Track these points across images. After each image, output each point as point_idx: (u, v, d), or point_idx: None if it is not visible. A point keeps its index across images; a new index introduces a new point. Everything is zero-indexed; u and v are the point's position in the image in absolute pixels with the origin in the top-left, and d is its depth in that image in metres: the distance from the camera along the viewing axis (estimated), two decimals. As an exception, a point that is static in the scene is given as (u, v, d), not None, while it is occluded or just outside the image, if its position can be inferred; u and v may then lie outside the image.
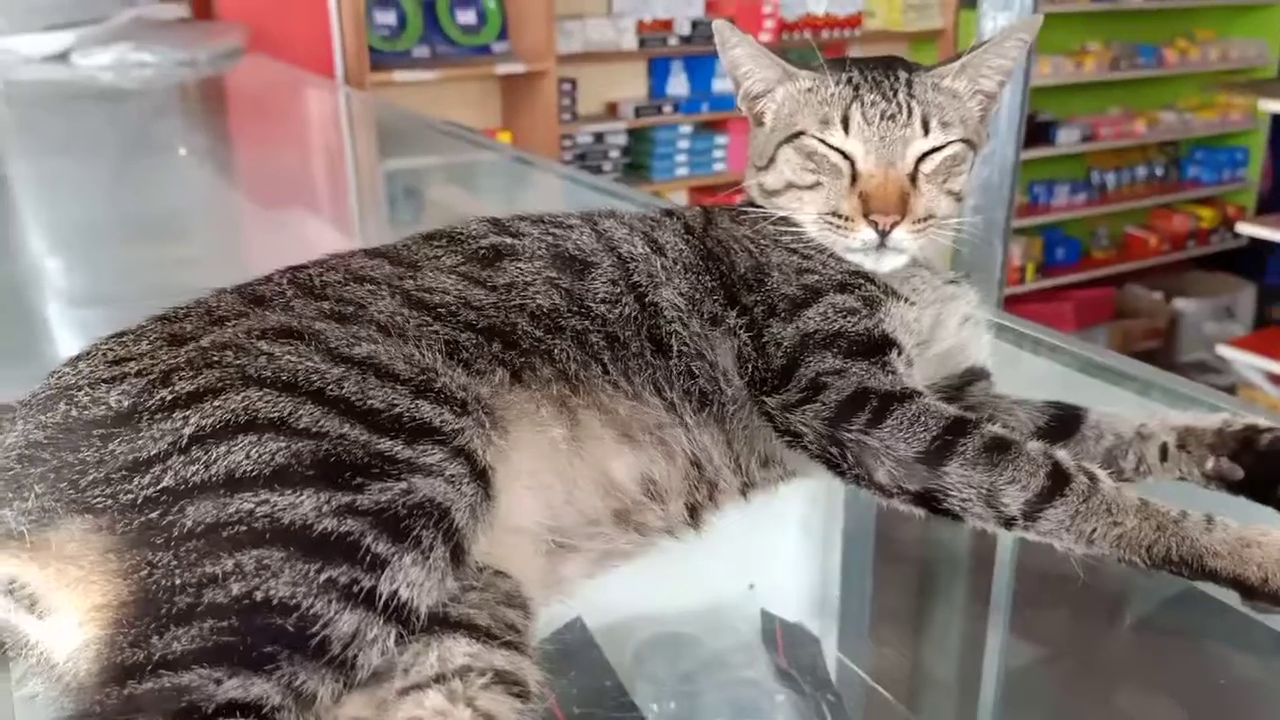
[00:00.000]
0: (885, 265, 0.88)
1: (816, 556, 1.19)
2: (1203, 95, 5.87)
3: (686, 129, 4.77)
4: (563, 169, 2.45)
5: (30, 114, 2.96)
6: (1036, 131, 5.38)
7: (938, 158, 0.87)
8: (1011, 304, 5.27)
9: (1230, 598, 0.69)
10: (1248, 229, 4.05)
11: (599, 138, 4.65)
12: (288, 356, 0.68)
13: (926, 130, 0.86)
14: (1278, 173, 5.95)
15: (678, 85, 4.80)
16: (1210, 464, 0.78)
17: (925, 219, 0.86)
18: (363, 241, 2.10)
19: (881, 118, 0.85)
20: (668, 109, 4.72)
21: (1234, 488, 0.77)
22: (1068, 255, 5.72)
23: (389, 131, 2.95)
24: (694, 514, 0.85)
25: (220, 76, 3.30)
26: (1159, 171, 5.99)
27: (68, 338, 1.52)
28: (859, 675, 1.14)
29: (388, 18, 4.08)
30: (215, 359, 0.67)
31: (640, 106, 4.68)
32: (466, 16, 4.24)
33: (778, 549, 1.18)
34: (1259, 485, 0.75)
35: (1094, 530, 0.70)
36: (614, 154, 4.70)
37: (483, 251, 0.85)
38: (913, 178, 0.86)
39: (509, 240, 0.87)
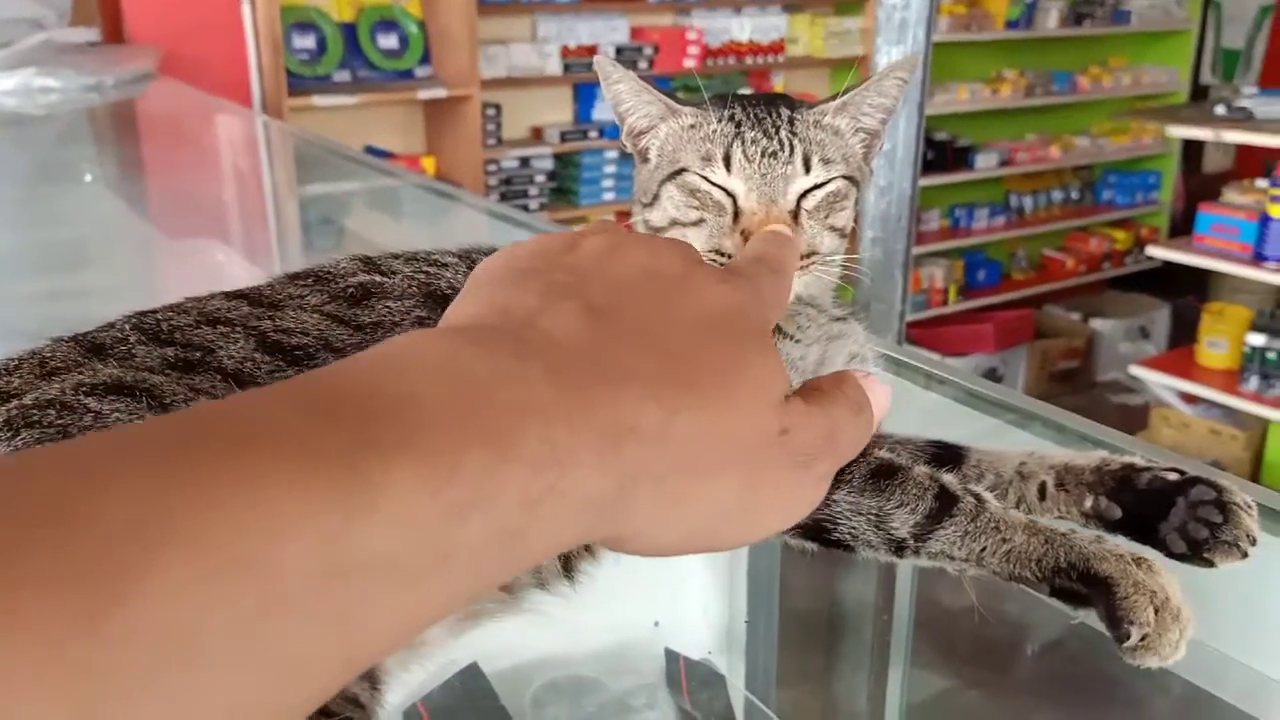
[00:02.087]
0: None
1: (723, 593, 1.18)
2: (1115, 121, 6.04)
3: (613, 154, 4.78)
4: (481, 200, 2.43)
5: (-73, 142, 2.86)
6: (956, 156, 5.50)
7: (819, 194, 0.86)
8: (934, 325, 5.41)
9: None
10: (1158, 252, 4.17)
11: (525, 162, 4.64)
12: (115, 414, 0.64)
13: (808, 168, 0.85)
14: (1190, 195, 6.14)
15: (604, 110, 4.80)
16: (1089, 503, 0.77)
17: (809, 255, 0.85)
18: (280, 271, 2.06)
19: (763, 155, 0.85)
20: (594, 134, 4.73)
21: (1112, 527, 0.77)
22: (988, 277, 5.84)
23: (306, 159, 2.90)
24: (568, 566, 0.83)
25: (130, 101, 3.22)
26: (1074, 195, 6.15)
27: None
28: (766, 713, 1.13)
29: (306, 41, 4.03)
30: (35, 418, 0.63)
31: (566, 131, 4.68)
32: (388, 41, 4.20)
33: (683, 586, 1.17)
34: (1138, 524, 0.75)
35: (983, 549, 0.69)
36: (540, 179, 4.69)
37: (350, 290, 0.82)
38: (795, 214, 0.86)
39: (379, 279, 0.84)
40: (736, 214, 0.85)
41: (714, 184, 0.86)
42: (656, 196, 0.89)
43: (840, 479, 0.72)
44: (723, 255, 0.85)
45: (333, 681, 0.31)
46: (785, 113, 0.87)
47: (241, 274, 2.01)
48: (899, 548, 0.72)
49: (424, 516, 0.31)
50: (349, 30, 4.14)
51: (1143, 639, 0.64)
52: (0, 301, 1.72)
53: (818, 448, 0.47)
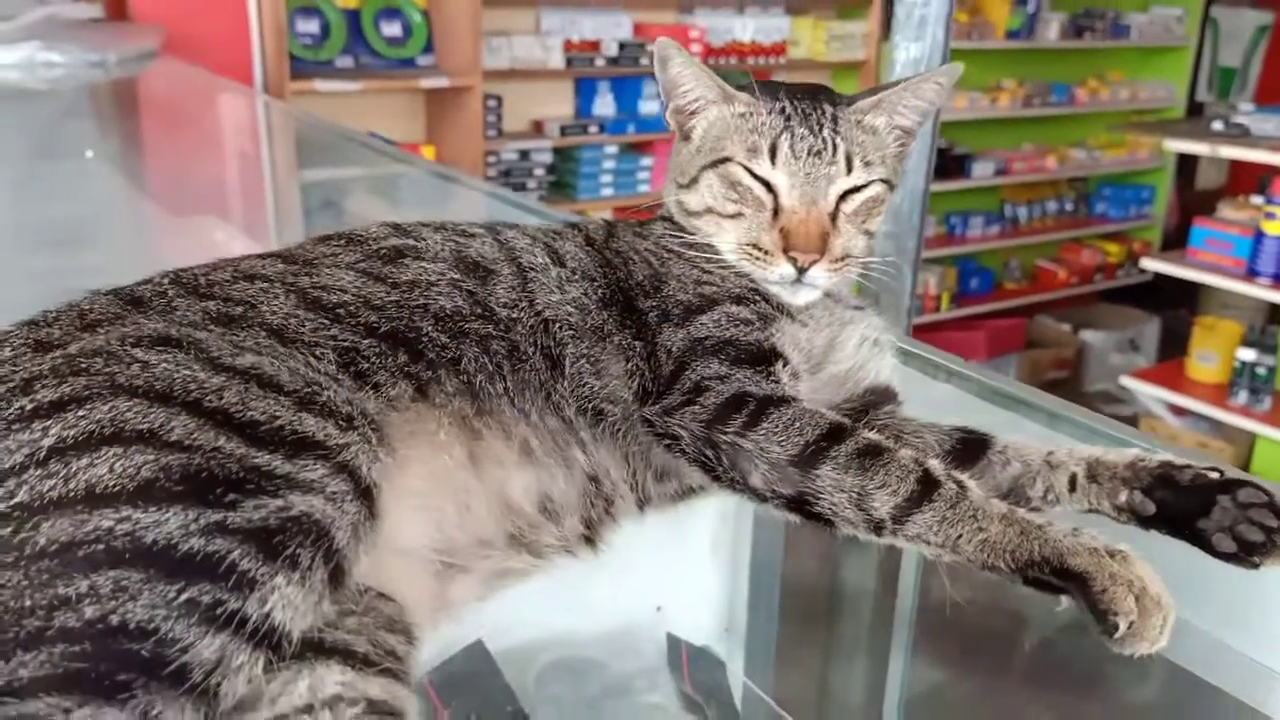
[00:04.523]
0: (801, 299, 0.89)
1: (725, 579, 1.19)
2: (1111, 134, 6.07)
3: (612, 149, 4.78)
4: (484, 185, 2.43)
5: (-72, 112, 2.85)
6: (952, 164, 5.51)
7: (858, 198, 0.87)
8: (927, 331, 5.43)
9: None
10: (1152, 264, 4.19)
11: (524, 155, 4.64)
12: (163, 364, 0.64)
13: (850, 168, 0.86)
14: (1183, 210, 6.17)
15: (604, 106, 4.81)
16: (1124, 497, 0.79)
17: (843, 258, 0.87)
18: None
19: (809, 153, 0.86)
20: (594, 129, 4.73)
21: (1145, 522, 0.78)
22: (981, 285, 5.86)
23: (307, 142, 2.90)
24: (591, 530, 0.84)
25: (132, 79, 3.21)
26: (1069, 206, 6.18)
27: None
28: (764, 700, 1.13)
29: (310, 26, 4.02)
30: (83, 366, 0.64)
31: (566, 125, 4.67)
32: (391, 28, 4.20)
33: (686, 571, 1.17)
34: (1176, 521, 0.76)
35: (960, 536, 0.71)
36: (539, 172, 4.69)
37: (384, 251, 0.83)
38: (833, 216, 0.87)
39: (411, 242, 0.85)
40: (777, 210, 0.86)
41: (757, 177, 0.87)
42: (695, 180, 0.90)
43: (826, 455, 0.74)
44: (760, 250, 0.86)
45: None
46: (829, 109, 0.88)
47: (242, 251, 2.00)
48: (878, 527, 0.73)
49: None
50: (353, 16, 4.13)
51: (1129, 626, 0.65)
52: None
53: None
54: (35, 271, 1.76)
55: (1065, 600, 0.70)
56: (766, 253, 0.87)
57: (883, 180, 0.89)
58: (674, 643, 1.11)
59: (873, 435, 0.77)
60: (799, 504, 0.76)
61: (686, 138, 0.93)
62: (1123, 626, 0.66)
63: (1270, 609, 0.84)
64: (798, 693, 1.18)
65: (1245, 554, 0.72)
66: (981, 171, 5.61)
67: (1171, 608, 0.66)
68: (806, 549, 1.11)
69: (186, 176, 2.48)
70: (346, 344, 0.73)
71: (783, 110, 0.88)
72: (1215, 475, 0.76)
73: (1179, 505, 0.76)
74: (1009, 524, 0.71)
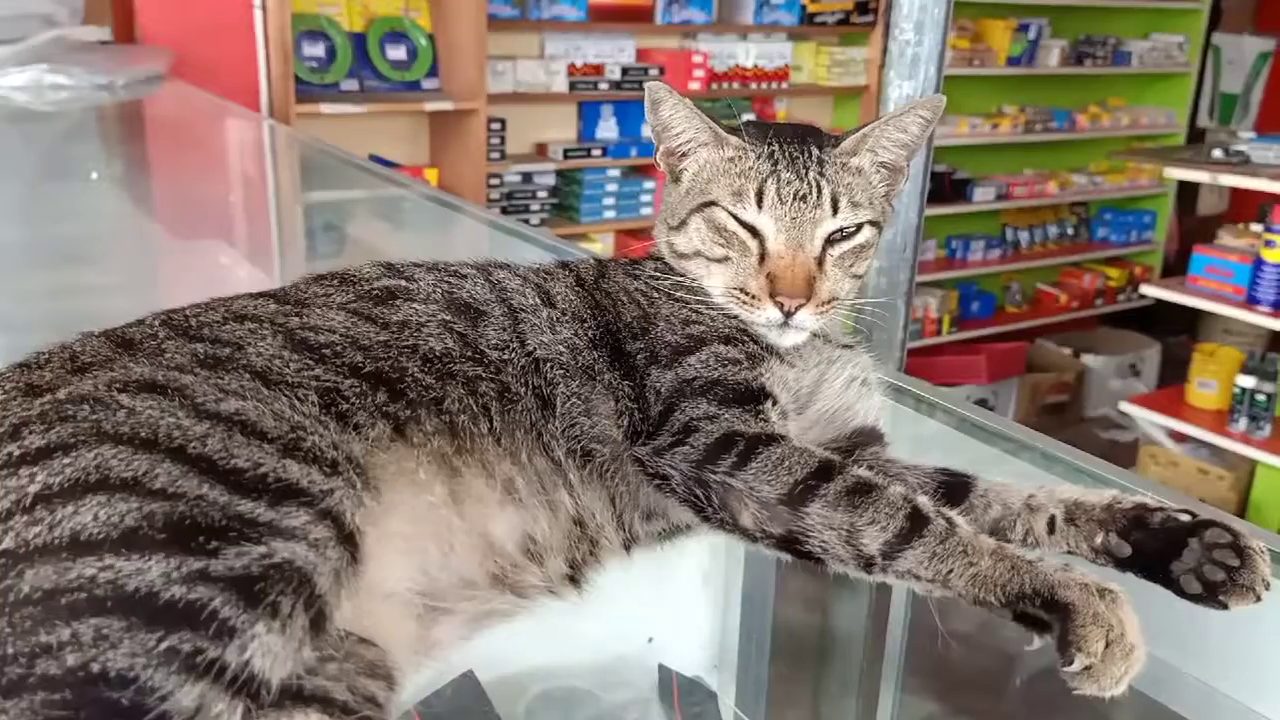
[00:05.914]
0: (788, 341, 0.90)
1: (717, 611, 1.19)
2: (1112, 160, 6.09)
3: (615, 172, 4.80)
4: (485, 213, 2.44)
5: (-65, 134, 2.87)
6: (954, 189, 5.53)
7: (847, 245, 0.88)
8: (928, 354, 5.43)
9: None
10: (1152, 291, 4.20)
11: (527, 178, 4.66)
12: (149, 412, 0.65)
13: (835, 209, 0.87)
14: (1184, 236, 6.18)
15: (607, 129, 4.84)
16: (1099, 539, 0.79)
17: (829, 301, 0.88)
18: (281, 275, 2.06)
19: (794, 197, 0.87)
20: (596, 152, 4.75)
21: (1121, 564, 0.78)
22: (982, 309, 5.87)
23: (311, 165, 2.92)
24: (575, 571, 0.84)
25: (138, 102, 3.24)
26: (1070, 231, 6.20)
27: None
28: (755, 731, 1.13)
29: (316, 49, 4.05)
30: (70, 413, 0.65)
31: (569, 149, 4.70)
32: (397, 52, 4.23)
33: (679, 603, 1.18)
34: (1149, 563, 0.77)
35: (950, 571, 0.71)
36: (542, 194, 4.71)
37: (376, 292, 0.84)
38: (820, 259, 0.88)
39: (403, 283, 0.86)
40: (763, 255, 0.87)
41: (743, 222, 0.88)
42: (684, 223, 0.91)
43: (815, 493, 0.75)
44: (746, 294, 0.87)
45: None
46: (815, 152, 0.89)
47: (245, 276, 2.01)
48: (868, 564, 0.74)
49: None
50: (358, 40, 4.16)
51: (1086, 668, 0.66)
52: (2, 295, 1.73)
53: None
54: (40, 291, 1.78)
55: (1037, 641, 0.70)
56: (754, 297, 0.88)
57: (871, 222, 0.90)
58: (665, 674, 1.12)
59: (862, 472, 0.78)
60: (789, 543, 0.77)
61: (676, 180, 0.94)
62: (1078, 664, 0.66)
63: (1265, 657, 0.84)
64: (788, 724, 1.18)
65: (1210, 594, 0.73)
66: (983, 196, 5.63)
67: (1140, 662, 0.67)
68: (798, 581, 1.12)
69: (191, 199, 2.50)
70: (329, 384, 0.74)
71: (770, 154, 0.89)
72: (1186, 517, 0.76)
73: (1152, 548, 0.77)
74: (999, 559, 0.71)
